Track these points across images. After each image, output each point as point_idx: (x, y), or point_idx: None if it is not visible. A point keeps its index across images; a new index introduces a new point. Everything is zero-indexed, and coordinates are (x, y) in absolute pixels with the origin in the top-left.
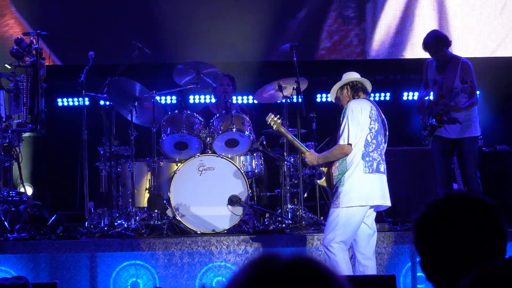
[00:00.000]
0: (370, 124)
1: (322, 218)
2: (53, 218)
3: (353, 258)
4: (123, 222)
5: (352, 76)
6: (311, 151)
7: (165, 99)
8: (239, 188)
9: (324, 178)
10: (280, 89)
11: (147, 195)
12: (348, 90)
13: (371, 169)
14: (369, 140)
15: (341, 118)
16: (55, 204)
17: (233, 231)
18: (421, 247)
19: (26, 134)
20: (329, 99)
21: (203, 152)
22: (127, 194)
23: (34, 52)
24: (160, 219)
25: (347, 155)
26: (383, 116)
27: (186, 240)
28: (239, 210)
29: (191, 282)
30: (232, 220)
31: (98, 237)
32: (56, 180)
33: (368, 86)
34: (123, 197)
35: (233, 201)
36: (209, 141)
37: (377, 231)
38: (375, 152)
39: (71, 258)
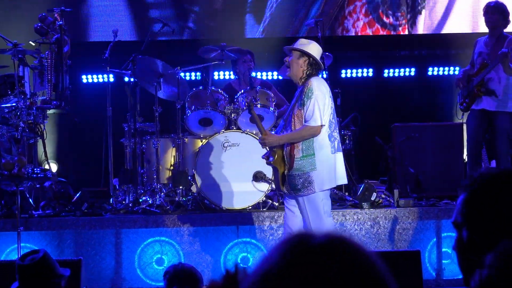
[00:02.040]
0: (331, 104)
1: (346, 194)
2: (77, 195)
3: None
4: (148, 199)
5: (316, 50)
6: (267, 131)
7: (190, 75)
8: (264, 164)
9: (275, 158)
10: None
11: (171, 171)
12: (306, 62)
13: (334, 149)
14: (331, 120)
15: (303, 97)
16: (79, 181)
17: (258, 207)
18: (472, 222)
19: (51, 111)
20: (354, 75)
21: (228, 128)
22: (152, 171)
23: (58, 28)
24: (185, 195)
25: (315, 136)
26: None
27: (211, 216)
28: (264, 186)
29: (216, 258)
30: (257, 196)
31: (123, 214)
32: (81, 157)
33: (321, 67)
34: (148, 173)
35: (258, 177)
36: (233, 117)
37: (402, 207)
38: (335, 131)
39: (96, 234)
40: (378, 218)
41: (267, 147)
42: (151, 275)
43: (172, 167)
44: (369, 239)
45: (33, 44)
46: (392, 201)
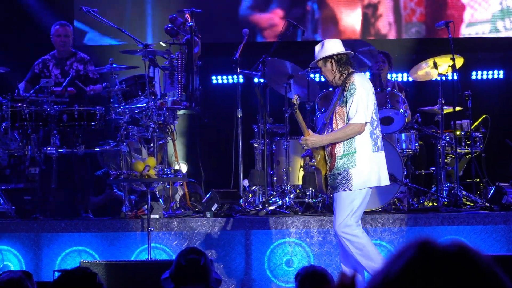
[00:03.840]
0: (374, 101)
1: (477, 195)
2: (208, 195)
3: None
4: (278, 200)
5: (335, 48)
6: (310, 131)
7: (319, 77)
8: (394, 166)
9: (318, 159)
10: (435, 66)
11: (301, 172)
12: (332, 64)
13: (377, 148)
14: (373, 117)
15: (345, 94)
16: (209, 181)
17: (388, 209)
18: None
19: (181, 112)
20: (484, 77)
21: None
22: (282, 172)
23: (188, 29)
24: (315, 196)
25: (359, 134)
26: None
27: None
28: (394, 188)
29: None
30: (387, 198)
31: (253, 215)
32: (211, 158)
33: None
34: (278, 174)
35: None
36: None
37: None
38: (377, 128)
39: (226, 235)
40: (509, 221)
41: (309, 148)
42: (281, 276)
43: (302, 169)
44: (501, 242)
45: (164, 45)
46: None
